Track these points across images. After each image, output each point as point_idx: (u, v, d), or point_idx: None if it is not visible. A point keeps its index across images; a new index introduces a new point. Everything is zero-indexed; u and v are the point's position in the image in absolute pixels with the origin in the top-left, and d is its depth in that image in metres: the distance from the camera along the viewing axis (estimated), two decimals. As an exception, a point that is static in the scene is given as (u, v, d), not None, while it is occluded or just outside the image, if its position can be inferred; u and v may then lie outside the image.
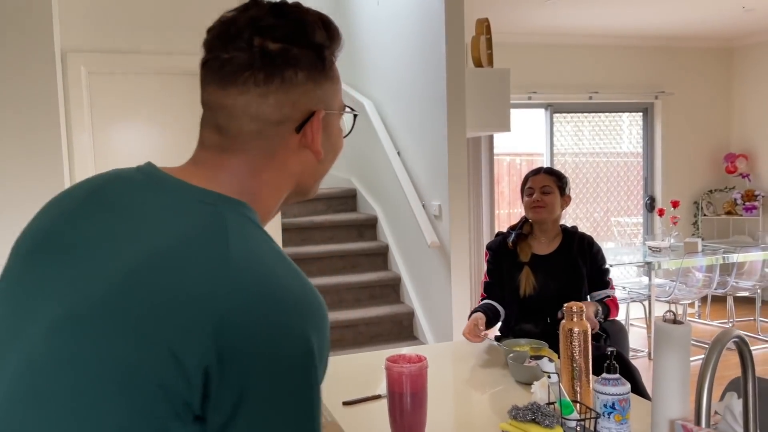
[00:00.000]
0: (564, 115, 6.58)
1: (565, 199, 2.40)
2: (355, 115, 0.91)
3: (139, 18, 3.33)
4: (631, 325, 5.43)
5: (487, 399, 1.77)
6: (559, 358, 1.68)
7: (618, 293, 5.21)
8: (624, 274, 6.06)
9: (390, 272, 4.62)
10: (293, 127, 0.77)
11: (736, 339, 0.98)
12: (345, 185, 5.48)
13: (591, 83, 6.40)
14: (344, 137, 0.88)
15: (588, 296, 2.35)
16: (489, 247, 2.50)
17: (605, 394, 1.48)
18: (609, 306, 2.30)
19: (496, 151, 6.61)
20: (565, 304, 1.68)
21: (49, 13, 3.01)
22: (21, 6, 2.95)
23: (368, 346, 4.08)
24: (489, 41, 4.24)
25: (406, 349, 2.38)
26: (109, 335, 0.64)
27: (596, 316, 2.19)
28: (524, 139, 6.66)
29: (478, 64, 4.16)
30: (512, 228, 2.47)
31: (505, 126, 4.15)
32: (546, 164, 6.43)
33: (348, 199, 5.29)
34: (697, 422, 0.92)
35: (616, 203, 6.78)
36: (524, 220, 2.45)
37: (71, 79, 3.24)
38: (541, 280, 2.32)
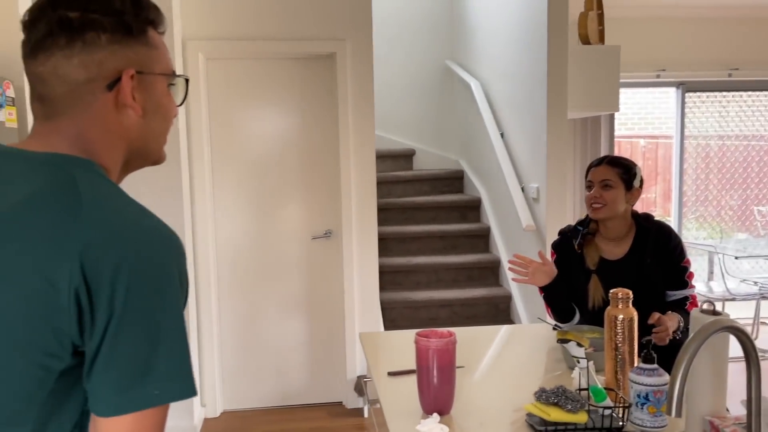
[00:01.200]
0: (698, 94, 6.09)
1: (633, 193, 2.10)
2: (186, 80, 0.96)
3: (254, 5, 3.55)
4: (762, 323, 4.99)
5: (533, 382, 1.76)
6: (616, 348, 1.62)
7: (747, 288, 4.80)
8: (755, 268, 5.55)
9: (490, 254, 4.59)
10: (104, 86, 0.84)
11: (731, 328, 0.93)
12: (453, 167, 5.49)
13: (730, 59, 5.85)
14: (179, 106, 0.95)
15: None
16: (554, 247, 2.27)
17: (639, 384, 1.43)
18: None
19: (620, 132, 6.28)
20: (611, 291, 1.62)
21: (169, 4, 3.31)
22: None
23: (462, 327, 4.10)
24: (600, 17, 4.04)
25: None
26: None
27: (677, 329, 1.94)
28: (651, 120, 6.25)
29: (585, 41, 3.98)
30: (580, 223, 2.22)
31: (613, 106, 3.95)
32: (676, 147, 6.00)
33: (454, 180, 5.30)
34: (669, 411, 0.89)
35: (757, 191, 6.19)
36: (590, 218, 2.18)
37: (190, 66, 3.54)
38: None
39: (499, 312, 4.30)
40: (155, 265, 0.76)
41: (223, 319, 3.73)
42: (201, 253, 3.59)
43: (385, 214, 4.83)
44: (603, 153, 5.94)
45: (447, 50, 5.63)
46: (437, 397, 1.53)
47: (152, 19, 0.89)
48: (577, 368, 1.60)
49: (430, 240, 4.67)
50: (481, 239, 4.71)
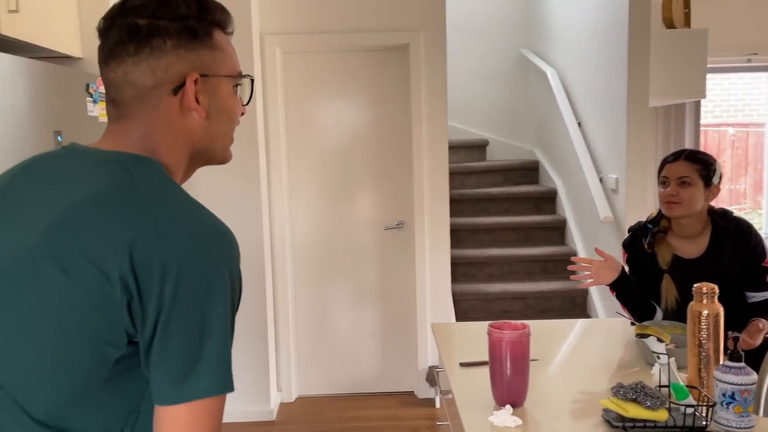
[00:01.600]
0: (795, 78, 5.71)
1: (712, 190, 1.98)
2: (251, 80, 0.97)
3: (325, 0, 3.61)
4: None
5: (609, 377, 1.72)
6: (700, 345, 1.56)
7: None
8: None
9: (566, 247, 4.48)
10: (169, 90, 0.87)
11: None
12: (527, 157, 5.39)
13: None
14: (245, 105, 0.96)
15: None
16: (625, 246, 2.19)
17: (725, 382, 1.37)
18: None
19: (707, 120, 5.99)
20: (695, 285, 1.56)
21: (247, 2, 3.40)
22: (224, -3, 3.38)
23: (537, 320, 4.03)
24: (686, -1, 3.85)
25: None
26: (38, 275, 0.77)
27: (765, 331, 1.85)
28: (741, 107, 5.91)
29: (670, 25, 3.81)
30: (651, 221, 2.10)
31: (699, 92, 3.77)
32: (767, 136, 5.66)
33: (529, 171, 5.20)
34: (756, 411, 0.85)
35: None
36: (662, 214, 2.06)
37: (268, 60, 3.63)
38: (686, 291, 1.80)
39: (575, 306, 4.20)
40: (204, 261, 0.77)
41: (299, 307, 3.82)
42: (277, 243, 3.69)
43: (458, 205, 4.81)
44: (688, 142, 5.68)
45: (522, 38, 5.52)
46: (510, 389, 1.52)
47: (218, 21, 0.91)
48: (657, 364, 1.55)
49: (503, 232, 4.61)
50: (557, 231, 4.61)
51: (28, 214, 0.82)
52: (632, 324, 2.07)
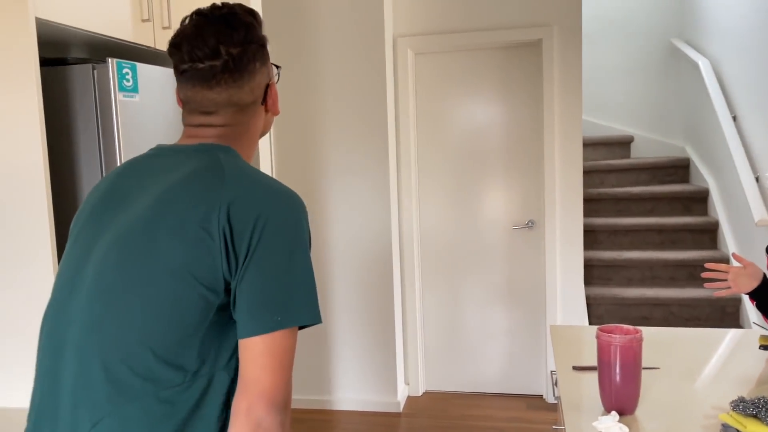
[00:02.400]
0: None
1: None
2: (277, 68, 1.14)
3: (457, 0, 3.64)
4: None
5: (737, 391, 1.59)
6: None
7: None
8: None
9: (717, 251, 4.14)
10: (260, 101, 1.06)
11: None
12: (677, 154, 5.03)
13: None
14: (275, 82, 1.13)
15: None
16: None
17: None
18: None
19: None
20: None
21: (380, 5, 3.52)
22: (358, 1, 3.52)
23: (675, 328, 3.77)
24: None
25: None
26: (153, 237, 0.93)
27: None
28: None
29: None
30: None
31: None
32: None
33: (678, 169, 4.86)
34: None
35: None
36: None
37: (400, 62, 3.74)
38: None
39: (726, 315, 3.87)
40: (285, 216, 0.95)
41: (426, 303, 3.89)
42: (406, 240, 3.79)
43: (596, 204, 4.61)
44: None
45: (672, 27, 5.15)
46: (618, 396, 1.47)
47: None
48: (791, 381, 1.41)
49: (645, 233, 4.35)
50: (707, 234, 4.27)
51: (137, 197, 0.99)
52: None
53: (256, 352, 0.90)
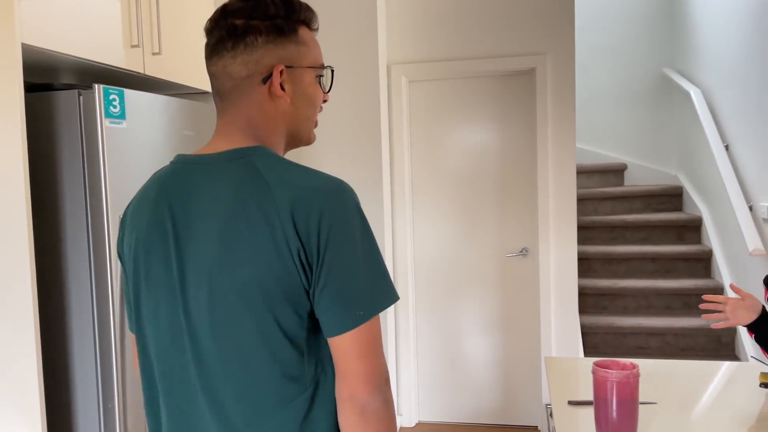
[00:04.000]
0: None
1: None
2: (332, 71, 1.12)
3: (454, 26, 3.65)
4: None
5: (736, 428, 1.54)
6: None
7: None
8: None
9: (712, 281, 4.11)
10: (260, 80, 1.02)
11: None
12: (670, 182, 5.04)
13: None
14: (326, 92, 1.10)
15: None
16: (766, 283, 1.96)
17: None
18: None
19: None
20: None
21: (375, 32, 3.53)
22: (352, 29, 3.53)
23: (676, 359, 3.73)
24: None
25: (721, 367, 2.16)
26: (233, 274, 0.93)
27: None
28: None
29: (835, 36, 3.40)
30: None
31: None
32: None
33: (672, 197, 4.86)
34: None
35: None
36: None
37: (394, 89, 3.74)
38: None
39: (722, 346, 3.83)
40: (344, 206, 0.94)
41: (420, 331, 3.84)
42: (400, 267, 3.74)
43: (590, 232, 4.60)
44: None
45: (664, 56, 5.19)
46: (616, 434, 1.42)
47: (303, 19, 1.05)
48: (792, 419, 1.37)
49: (640, 262, 4.33)
50: (701, 263, 4.25)
51: (195, 228, 0.98)
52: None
53: (346, 347, 0.93)
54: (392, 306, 3.69)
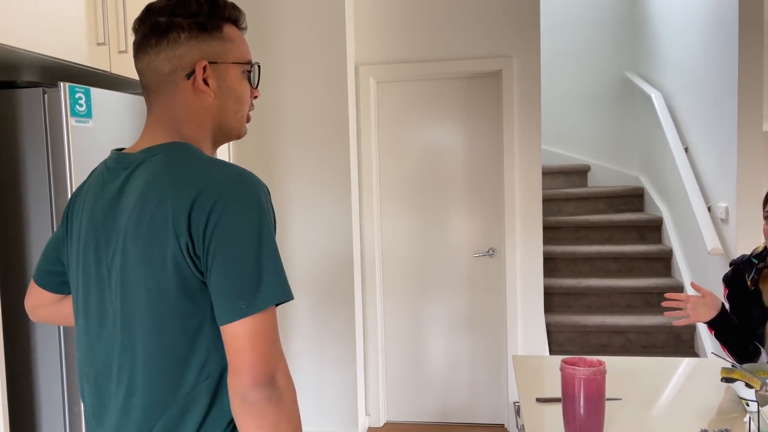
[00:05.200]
0: None
1: None
2: (259, 67, 1.14)
3: (422, 28, 3.67)
4: None
5: (699, 423, 1.59)
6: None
7: None
8: None
9: (672, 279, 4.22)
10: (183, 75, 1.05)
11: None
12: (632, 183, 5.16)
13: None
14: (255, 88, 1.13)
15: None
16: (725, 281, 2.03)
17: (825, 437, 1.24)
18: None
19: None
20: (795, 326, 1.42)
21: (343, 33, 3.53)
22: (321, 30, 3.53)
23: (637, 356, 3.82)
24: (807, 14, 3.56)
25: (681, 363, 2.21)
26: (140, 275, 0.98)
27: None
28: None
29: (788, 43, 3.53)
30: (756, 256, 1.94)
31: (823, 115, 3.45)
32: None
33: (633, 198, 4.97)
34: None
35: None
36: None
37: (362, 89, 3.74)
38: None
39: (681, 343, 3.93)
40: (240, 201, 0.95)
41: (388, 332, 3.85)
42: (368, 267, 3.75)
43: (555, 233, 4.67)
44: (815, 168, 5.20)
45: (626, 60, 5.31)
46: (582, 428, 1.45)
47: (228, 17, 1.08)
48: (749, 412, 1.42)
49: (603, 261, 4.42)
50: (662, 262, 4.36)
51: (114, 229, 1.04)
52: (733, 366, 1.91)
53: (231, 337, 0.95)
54: (360, 307, 3.70)
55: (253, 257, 0.95)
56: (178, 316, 0.98)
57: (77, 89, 1.68)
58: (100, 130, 1.78)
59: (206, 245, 0.94)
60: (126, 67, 2.11)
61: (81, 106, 1.69)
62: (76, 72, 1.99)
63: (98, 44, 1.95)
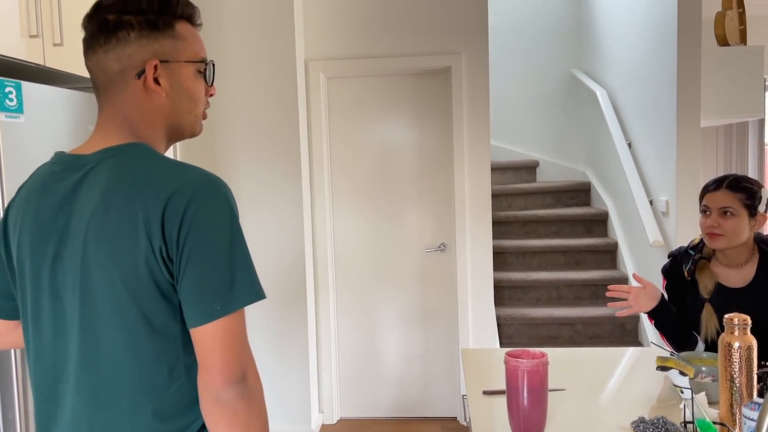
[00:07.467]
0: None
1: (758, 219, 1.86)
2: (213, 65, 1.12)
3: (371, 25, 3.66)
4: None
5: (638, 410, 1.64)
6: (731, 380, 1.47)
7: None
8: None
9: (617, 271, 4.34)
10: (133, 74, 1.01)
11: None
12: (579, 178, 5.27)
13: None
14: (211, 86, 1.11)
15: None
16: (664, 273, 2.09)
17: (752, 420, 1.29)
18: None
19: (772, 139, 5.72)
20: (726, 316, 1.48)
21: (292, 27, 3.49)
22: (268, 25, 3.48)
23: (585, 347, 3.91)
24: (741, 16, 3.71)
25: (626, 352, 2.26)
26: (106, 276, 0.95)
27: None
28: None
29: (723, 42, 3.67)
30: (693, 248, 1.99)
31: (756, 111, 3.60)
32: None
33: (581, 193, 5.08)
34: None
35: None
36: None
37: (312, 85, 3.71)
38: None
39: (626, 333, 4.05)
40: (211, 203, 0.94)
41: (341, 329, 3.84)
42: (320, 263, 3.73)
43: (504, 227, 4.74)
44: (751, 161, 5.43)
45: (573, 58, 5.43)
46: (527, 419, 1.48)
47: (181, 14, 1.04)
48: (684, 401, 1.47)
49: (551, 255, 4.51)
50: (608, 255, 4.47)
51: (69, 231, 0.99)
52: (671, 355, 1.97)
53: (204, 339, 0.94)
54: (312, 304, 3.67)
55: (226, 258, 0.94)
56: (146, 319, 0.96)
57: (7, 83, 1.61)
58: (32, 125, 1.71)
59: (180, 247, 0.93)
60: (62, 60, 2.03)
61: (11, 100, 1.62)
62: (7, 65, 1.91)
63: (31, 36, 1.88)
